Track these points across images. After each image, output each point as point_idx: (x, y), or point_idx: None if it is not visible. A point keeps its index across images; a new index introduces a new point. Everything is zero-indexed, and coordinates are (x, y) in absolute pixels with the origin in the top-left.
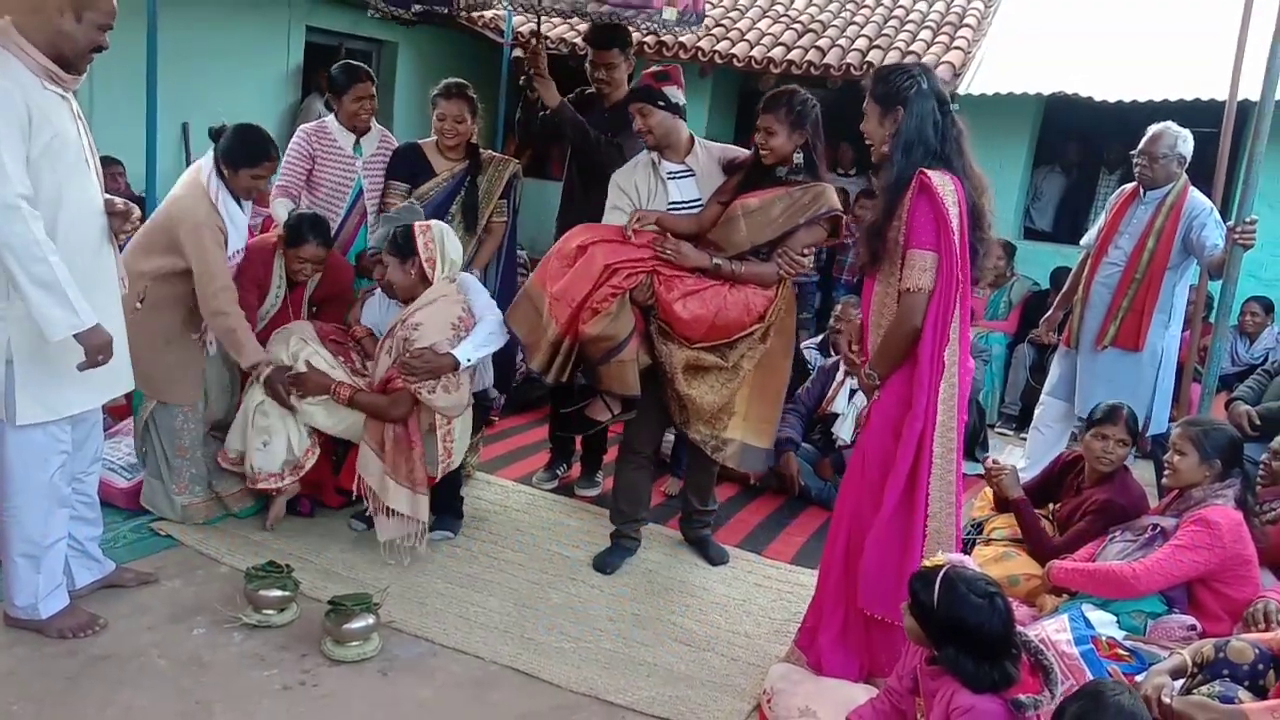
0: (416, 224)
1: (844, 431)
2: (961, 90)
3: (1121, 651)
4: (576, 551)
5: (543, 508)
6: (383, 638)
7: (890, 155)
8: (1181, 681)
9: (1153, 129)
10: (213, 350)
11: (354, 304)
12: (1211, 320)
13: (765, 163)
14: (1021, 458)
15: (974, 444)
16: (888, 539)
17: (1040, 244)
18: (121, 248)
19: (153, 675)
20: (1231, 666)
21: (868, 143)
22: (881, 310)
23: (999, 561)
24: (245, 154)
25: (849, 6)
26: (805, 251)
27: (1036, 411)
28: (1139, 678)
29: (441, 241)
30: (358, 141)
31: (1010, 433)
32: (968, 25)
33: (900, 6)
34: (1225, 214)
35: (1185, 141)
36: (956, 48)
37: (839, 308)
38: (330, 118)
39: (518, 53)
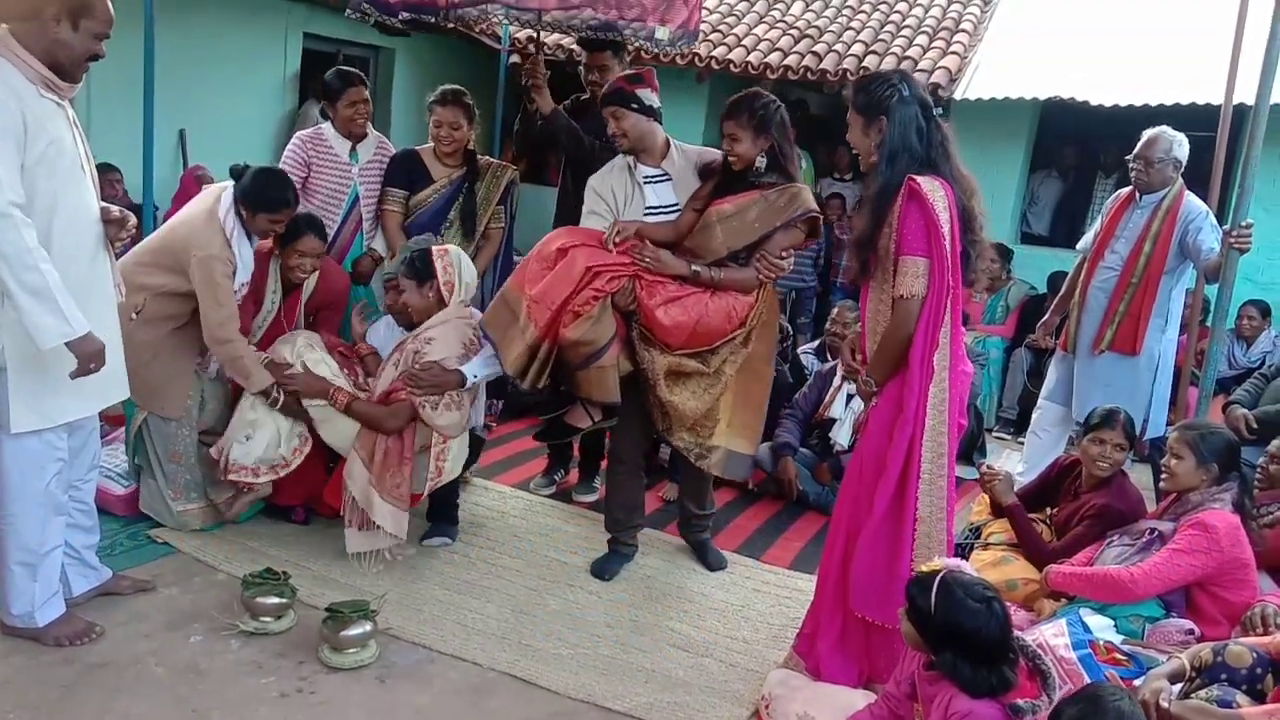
0: (434, 248)
1: (841, 436)
2: (958, 95)
3: (1119, 656)
4: (574, 557)
5: (540, 513)
6: (380, 645)
7: (877, 164)
8: (1179, 686)
9: (1148, 133)
10: (212, 374)
11: (354, 314)
12: (1208, 324)
13: (734, 169)
14: (1019, 462)
15: (973, 449)
16: (878, 542)
17: (1037, 248)
18: (119, 255)
19: (150, 683)
20: (1229, 670)
21: (856, 153)
22: (877, 317)
23: (997, 566)
24: (266, 201)
25: (845, 11)
26: (784, 254)
27: (1034, 416)
28: (1137, 682)
29: (459, 265)
30: (354, 148)
31: (1008, 437)
32: (964, 30)
33: (897, 11)
34: (1221, 218)
35: (1181, 146)
36: (953, 53)
37: (835, 311)
38: (326, 125)
39: (515, 59)
